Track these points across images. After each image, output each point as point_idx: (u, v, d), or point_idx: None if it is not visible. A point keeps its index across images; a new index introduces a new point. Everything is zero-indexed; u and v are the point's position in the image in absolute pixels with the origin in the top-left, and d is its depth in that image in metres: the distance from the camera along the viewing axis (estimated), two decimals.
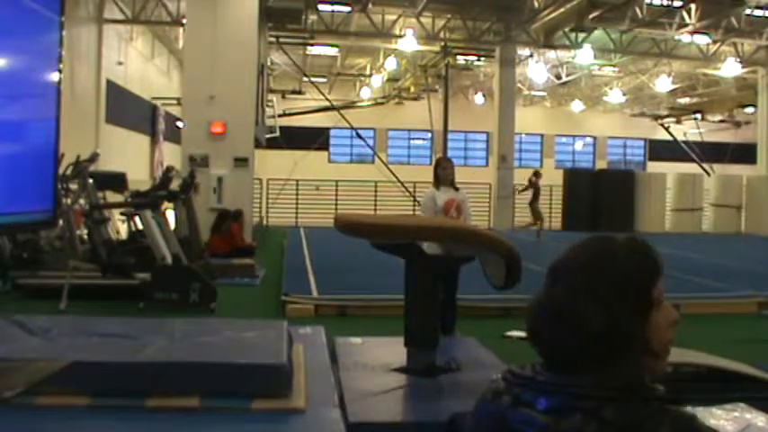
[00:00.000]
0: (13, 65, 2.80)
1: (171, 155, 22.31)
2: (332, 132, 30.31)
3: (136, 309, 7.63)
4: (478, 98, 31.77)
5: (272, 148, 20.75)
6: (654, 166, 32.63)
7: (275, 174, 22.17)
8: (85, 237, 9.56)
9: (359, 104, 28.85)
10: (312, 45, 22.94)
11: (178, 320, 4.46)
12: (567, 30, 19.39)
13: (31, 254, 8.97)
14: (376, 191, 23.17)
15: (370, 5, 18.67)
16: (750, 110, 25.88)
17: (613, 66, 25.51)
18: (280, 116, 22.68)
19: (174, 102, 21.87)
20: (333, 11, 19.85)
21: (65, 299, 7.61)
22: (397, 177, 20.94)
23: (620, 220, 20.72)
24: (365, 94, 31.02)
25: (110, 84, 18.06)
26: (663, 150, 34.03)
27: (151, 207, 8.83)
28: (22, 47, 2.81)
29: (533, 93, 31.56)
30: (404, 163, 32.52)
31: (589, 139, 37.04)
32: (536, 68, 24.67)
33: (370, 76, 29.13)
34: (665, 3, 18.56)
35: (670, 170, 24.35)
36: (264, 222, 20.93)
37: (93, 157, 9.50)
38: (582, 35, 19.80)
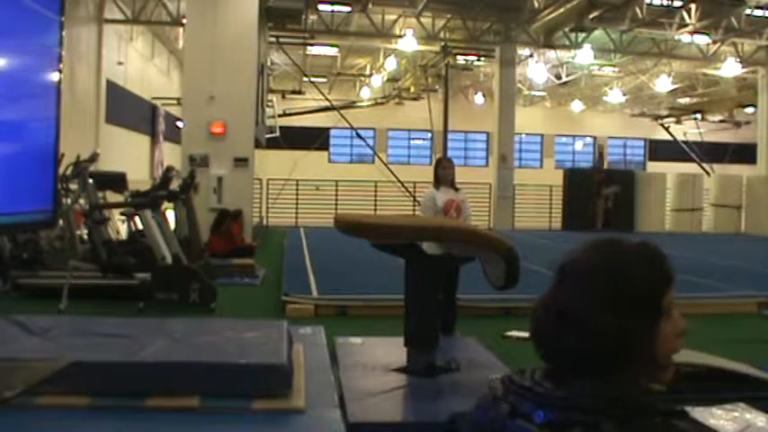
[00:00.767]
0: (13, 65, 2.80)
1: (171, 155, 22.31)
2: (332, 132, 30.31)
3: (136, 309, 7.62)
4: (478, 98, 31.76)
5: (272, 148, 20.75)
6: (654, 166, 32.64)
7: (275, 174, 22.17)
8: (85, 237, 9.56)
9: (359, 104, 28.85)
10: (312, 45, 22.94)
11: (178, 320, 4.46)
12: (567, 30, 19.39)
13: (31, 254, 8.96)
14: (376, 191, 23.17)
15: (370, 5, 18.67)
16: (750, 110, 25.87)
17: (613, 66, 25.52)
18: (280, 116, 22.68)
19: (174, 102, 21.88)
20: (333, 11, 19.85)
21: (65, 299, 7.61)
22: (397, 177, 20.93)
23: (621, 219, 20.72)
24: (365, 94, 31.02)
25: (110, 84, 18.06)
26: (663, 150, 34.04)
27: (151, 207, 8.82)
28: (22, 47, 2.81)
29: (533, 93, 31.56)
30: (404, 163, 32.52)
31: (589, 139, 37.04)
32: (536, 68, 24.68)
33: (370, 76, 29.13)
34: (665, 3, 18.56)
35: (670, 170, 24.34)
36: (264, 222, 20.93)
37: (93, 157, 9.50)
38: (582, 35, 19.80)
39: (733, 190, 22.58)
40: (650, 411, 1.14)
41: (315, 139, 26.26)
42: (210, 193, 13.44)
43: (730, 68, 21.79)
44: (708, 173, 25.59)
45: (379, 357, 5.16)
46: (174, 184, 10.70)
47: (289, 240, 16.10)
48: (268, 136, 18.76)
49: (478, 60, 24.90)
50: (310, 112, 25.48)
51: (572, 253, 1.24)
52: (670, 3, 18.38)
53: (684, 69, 25.73)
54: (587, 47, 20.19)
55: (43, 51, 2.99)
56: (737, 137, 30.15)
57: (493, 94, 24.23)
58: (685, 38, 20.35)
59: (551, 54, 23.93)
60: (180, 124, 17.13)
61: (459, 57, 23.48)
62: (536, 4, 18.63)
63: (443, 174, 6.77)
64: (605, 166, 17.54)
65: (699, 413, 3.30)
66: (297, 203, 22.77)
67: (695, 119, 29.59)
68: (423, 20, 20.41)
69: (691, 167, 26.68)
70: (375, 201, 23.12)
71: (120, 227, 12.01)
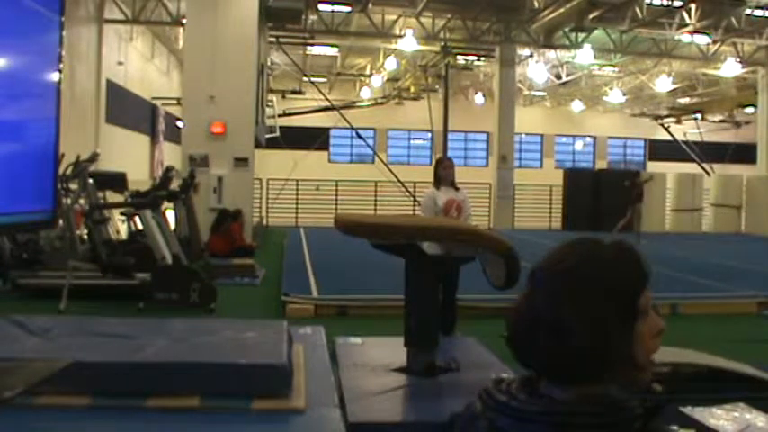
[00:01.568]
0: (13, 65, 2.80)
1: (171, 155, 22.32)
2: (332, 132, 30.32)
3: (136, 309, 7.63)
4: (478, 98, 31.78)
5: (272, 148, 20.75)
6: (654, 166, 32.64)
7: (275, 174, 22.17)
8: (85, 237, 9.56)
9: (359, 104, 28.85)
10: (312, 45, 22.96)
11: (178, 320, 4.46)
12: (567, 30, 19.41)
13: (31, 254, 8.97)
14: (376, 191, 23.18)
15: (370, 5, 18.67)
16: (750, 110, 25.88)
17: (613, 66, 25.52)
18: (280, 116, 22.68)
19: (174, 102, 21.88)
20: (333, 11, 19.86)
21: (65, 299, 7.61)
22: (397, 177, 20.94)
23: (620, 220, 20.69)
24: (365, 94, 31.02)
25: (110, 84, 18.07)
26: (663, 150, 34.05)
27: (151, 207, 8.83)
28: (22, 47, 2.81)
29: (533, 93, 31.57)
30: (404, 163, 32.53)
31: (589, 139, 37.05)
32: (536, 68, 24.69)
33: (370, 76, 29.14)
34: (665, 3, 18.56)
35: (670, 170, 24.35)
36: (264, 222, 20.93)
37: (93, 157, 9.51)
38: (582, 35, 19.81)
39: (733, 190, 22.59)
40: (633, 418, 1.12)
41: (315, 139, 26.26)
42: (210, 193, 13.44)
43: (730, 68, 21.80)
44: (708, 173, 25.59)
45: (379, 357, 5.16)
46: (174, 184, 10.70)
47: (289, 240, 16.10)
48: (268, 136, 18.76)
49: (478, 60, 24.92)
50: (310, 112, 25.47)
51: (545, 257, 1.21)
52: (670, 3, 18.39)
53: (684, 69, 25.74)
54: (587, 47, 20.20)
55: (43, 51, 2.99)
56: (737, 137, 30.17)
57: (493, 94, 24.24)
58: (685, 38, 20.36)
59: (551, 54, 23.94)
60: (180, 124, 17.14)
61: (459, 57, 23.50)
62: (536, 4, 18.63)
63: (444, 174, 6.76)
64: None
65: (699, 413, 3.30)
66: (297, 203, 22.78)
67: (695, 119, 29.60)
68: (423, 20, 20.42)
69: (691, 167, 26.69)
70: (375, 201, 23.13)
71: (120, 227, 12.01)
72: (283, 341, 3.72)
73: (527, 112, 31.70)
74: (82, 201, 9.38)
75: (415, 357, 4.88)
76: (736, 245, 18.39)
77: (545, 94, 32.20)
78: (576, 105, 33.75)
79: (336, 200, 22.70)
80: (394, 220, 5.91)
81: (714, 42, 20.84)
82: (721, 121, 31.32)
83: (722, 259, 13.92)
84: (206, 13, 13.69)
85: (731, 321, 8.35)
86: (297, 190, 22.77)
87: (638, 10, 18.10)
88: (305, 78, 23.92)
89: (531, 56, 24.08)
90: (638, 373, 1.16)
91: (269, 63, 20.35)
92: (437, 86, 27.07)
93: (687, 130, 30.94)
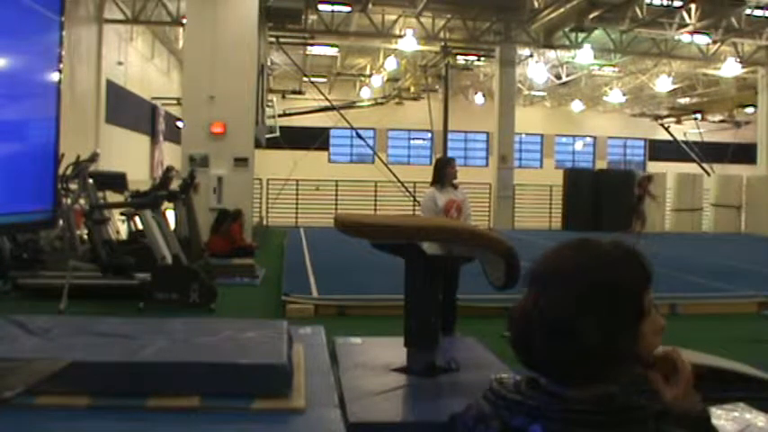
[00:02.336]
0: (13, 65, 2.80)
1: (171, 155, 22.32)
2: (332, 132, 30.31)
3: (136, 309, 7.63)
4: (478, 98, 31.77)
5: (272, 148, 20.75)
6: (654, 166, 32.64)
7: (275, 174, 22.18)
8: (85, 237, 9.56)
9: (359, 104, 28.85)
10: (312, 45, 22.96)
11: (178, 320, 4.46)
12: (567, 30, 19.40)
13: (31, 254, 8.97)
14: (376, 191, 23.18)
15: (370, 5, 18.67)
16: (750, 110, 25.88)
17: (613, 66, 25.52)
18: (280, 116, 22.69)
19: (174, 102, 21.88)
20: (333, 11, 19.86)
21: (65, 299, 7.61)
22: (397, 177, 20.94)
23: (621, 220, 20.69)
24: (365, 94, 31.02)
25: (110, 84, 18.07)
26: (663, 150, 34.05)
27: (151, 207, 8.83)
28: (22, 47, 2.81)
29: (533, 93, 31.57)
30: (404, 163, 32.52)
31: (589, 139, 37.05)
32: (536, 68, 24.68)
33: (370, 76, 29.14)
34: (665, 3, 18.56)
35: (670, 170, 24.36)
36: (264, 222, 20.93)
37: (93, 157, 9.51)
38: (582, 35, 19.81)
39: (733, 190, 22.59)
40: (645, 417, 1.14)
41: (315, 139, 26.26)
42: (210, 193, 13.44)
43: (730, 68, 21.80)
44: (708, 173, 25.58)
45: (379, 357, 5.16)
46: (174, 184, 10.70)
47: (289, 240, 16.10)
48: (268, 136, 18.77)
49: (478, 60, 24.92)
50: (310, 112, 25.48)
51: (543, 258, 1.22)
52: (670, 3, 18.38)
53: (684, 69, 25.74)
54: (587, 47, 20.20)
55: (43, 51, 2.99)
56: (737, 137, 30.16)
57: (493, 94, 24.24)
58: (685, 38, 20.36)
59: (551, 54, 23.93)
60: (180, 124, 17.13)
61: (459, 57, 23.50)
62: (536, 4, 18.63)
63: (450, 173, 6.74)
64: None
65: None
66: (297, 203, 22.78)
67: (695, 119, 29.61)
68: (423, 20, 20.41)
69: (691, 167, 26.69)
70: (375, 201, 23.13)
71: (120, 227, 12.01)
72: (283, 341, 3.72)
73: (527, 112, 31.69)
74: (82, 201, 9.39)
75: (414, 357, 4.88)
76: (736, 245, 18.39)
77: (545, 94, 32.20)
78: (576, 105, 33.75)
79: (336, 200, 22.71)
80: (394, 220, 5.91)
81: (714, 42, 20.84)
82: (721, 121, 31.32)
83: (722, 259, 13.92)
84: (206, 13, 13.69)
85: (731, 321, 8.35)
86: (297, 190, 22.78)
87: (638, 10, 18.10)
88: (305, 78, 23.92)
89: (531, 56, 24.08)
90: (641, 369, 1.19)
91: (269, 63, 20.36)
92: (437, 86, 27.07)
93: (687, 130, 30.94)
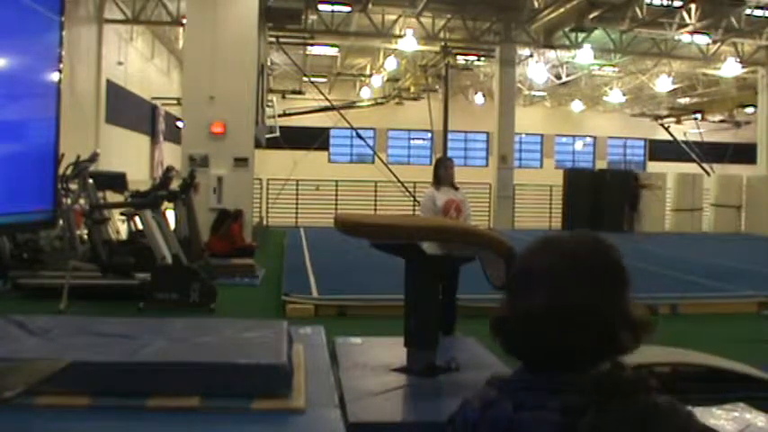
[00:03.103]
0: (13, 65, 2.80)
1: (171, 155, 22.31)
2: (332, 132, 30.29)
3: (136, 309, 7.63)
4: (478, 98, 31.76)
5: (272, 148, 20.75)
6: (654, 166, 32.63)
7: (275, 174, 22.17)
8: (85, 237, 9.56)
9: (359, 104, 28.84)
10: (312, 45, 22.94)
11: (178, 320, 4.46)
12: (567, 30, 19.39)
13: (31, 254, 8.97)
14: (376, 191, 23.16)
15: (370, 5, 18.66)
16: (750, 110, 25.86)
17: (613, 66, 25.51)
18: (280, 116, 22.68)
19: (174, 102, 21.87)
20: (333, 11, 19.84)
21: (65, 299, 7.61)
22: (397, 177, 20.93)
23: (620, 219, 20.72)
24: (365, 94, 31.01)
25: (110, 84, 18.06)
26: (663, 150, 34.03)
27: (151, 207, 8.83)
28: (22, 47, 2.81)
29: (533, 93, 31.55)
30: (404, 163, 32.51)
31: (589, 139, 37.04)
32: (536, 68, 24.67)
33: (370, 76, 29.13)
34: (665, 3, 18.55)
35: (670, 170, 24.35)
36: (264, 222, 20.92)
37: (93, 157, 9.51)
38: (582, 35, 19.79)
39: (733, 190, 22.57)
40: (651, 387, 1.19)
41: (315, 139, 26.25)
42: (210, 193, 13.43)
43: (730, 68, 21.79)
44: (708, 173, 25.57)
45: (379, 357, 5.16)
46: (174, 184, 10.70)
47: (289, 240, 16.10)
48: (268, 136, 18.76)
49: (478, 60, 24.90)
50: (310, 112, 25.47)
51: (524, 260, 1.31)
52: (670, 3, 18.37)
53: (684, 69, 25.73)
54: (587, 47, 20.19)
55: (43, 51, 2.99)
56: (737, 137, 30.15)
57: (493, 94, 24.23)
58: (685, 38, 20.34)
59: (551, 54, 23.92)
60: (180, 124, 17.13)
61: (459, 57, 23.47)
62: (536, 4, 18.63)
63: (446, 174, 6.75)
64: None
65: (699, 413, 3.30)
66: (297, 203, 22.77)
67: (695, 119, 29.59)
68: (423, 20, 20.41)
69: (691, 167, 26.67)
70: (375, 201, 23.12)
71: (120, 227, 12.01)
72: (283, 341, 3.72)
73: (527, 112, 31.68)
74: (82, 201, 9.39)
75: (414, 357, 4.88)
76: (736, 245, 18.38)
77: (545, 94, 32.18)
78: (576, 105, 33.74)
79: (336, 200, 22.69)
80: (394, 220, 5.92)
81: (714, 42, 20.82)
82: (721, 121, 31.30)
83: (722, 259, 13.91)
84: (206, 13, 13.68)
85: (731, 321, 8.34)
86: (297, 190, 22.76)
87: (638, 10, 18.09)
88: (305, 78, 23.91)
89: (531, 56, 24.06)
90: (639, 333, 1.25)
91: (269, 63, 20.35)
92: (437, 86, 27.06)
93: (687, 130, 30.92)
